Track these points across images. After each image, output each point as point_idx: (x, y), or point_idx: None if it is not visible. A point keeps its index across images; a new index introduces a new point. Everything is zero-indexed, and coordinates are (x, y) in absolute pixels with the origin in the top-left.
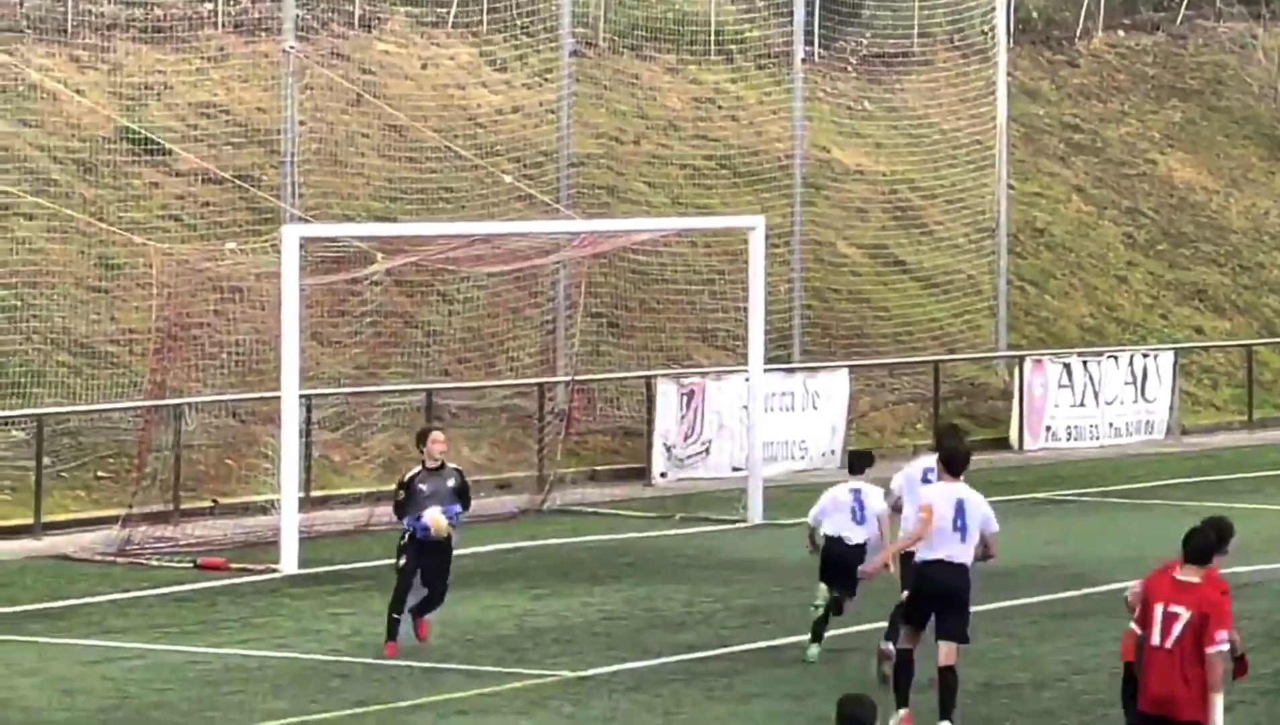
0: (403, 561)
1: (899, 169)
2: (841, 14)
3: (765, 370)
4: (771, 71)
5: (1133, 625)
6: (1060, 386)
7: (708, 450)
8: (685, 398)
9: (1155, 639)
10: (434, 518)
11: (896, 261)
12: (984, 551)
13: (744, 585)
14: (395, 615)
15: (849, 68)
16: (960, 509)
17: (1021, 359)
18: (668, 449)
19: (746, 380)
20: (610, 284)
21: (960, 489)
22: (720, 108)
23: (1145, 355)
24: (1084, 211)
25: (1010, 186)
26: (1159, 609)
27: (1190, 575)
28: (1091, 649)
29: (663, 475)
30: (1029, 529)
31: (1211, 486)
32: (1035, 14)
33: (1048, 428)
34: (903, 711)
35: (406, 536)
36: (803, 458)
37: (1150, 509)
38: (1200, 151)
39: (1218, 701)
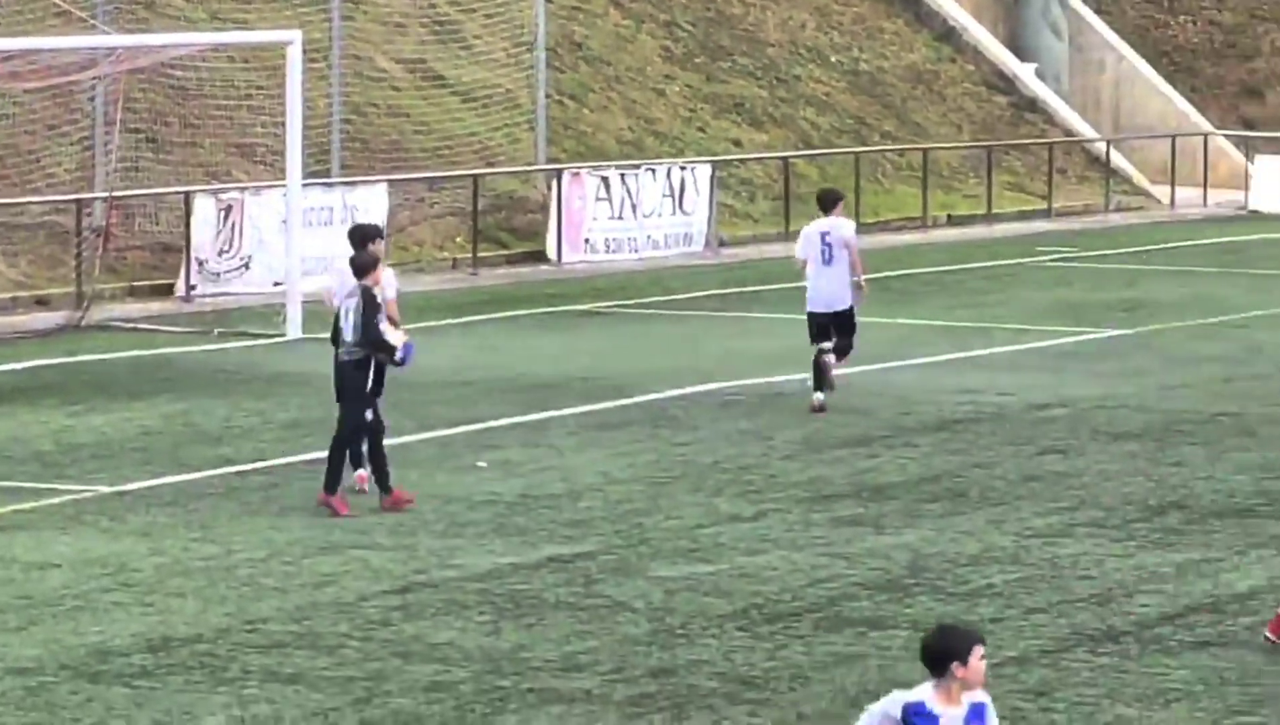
0: (371, 416)
1: None
2: None
3: (304, 185)
4: None
5: None
6: (598, 199)
7: (247, 265)
8: (224, 213)
9: None
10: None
11: (436, 76)
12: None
13: (283, 399)
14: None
15: None
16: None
17: (559, 172)
18: (200, 264)
19: (285, 195)
20: (149, 100)
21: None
22: None
23: (683, 168)
24: (621, 25)
25: (548, 0)
26: None
27: None
28: (626, 459)
29: (192, 288)
30: (567, 341)
31: (747, 297)
32: None
33: (586, 240)
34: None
35: (372, 376)
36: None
37: (687, 320)
38: None
39: None
